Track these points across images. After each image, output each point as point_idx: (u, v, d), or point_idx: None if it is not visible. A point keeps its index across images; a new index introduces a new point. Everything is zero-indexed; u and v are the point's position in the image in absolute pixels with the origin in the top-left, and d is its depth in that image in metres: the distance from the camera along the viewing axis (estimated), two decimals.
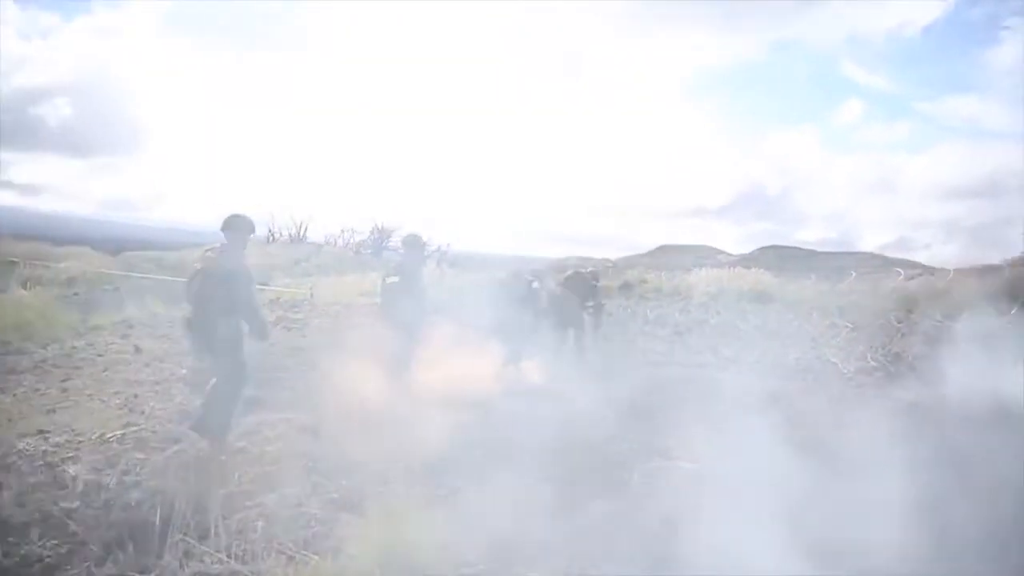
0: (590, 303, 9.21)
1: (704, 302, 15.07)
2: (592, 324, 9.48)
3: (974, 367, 8.26)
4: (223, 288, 5.04)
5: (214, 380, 5.35)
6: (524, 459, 4.98)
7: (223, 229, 5.33)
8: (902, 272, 22.36)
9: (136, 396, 7.05)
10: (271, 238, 33.33)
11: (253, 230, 5.59)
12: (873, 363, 8.62)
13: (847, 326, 11.16)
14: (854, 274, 16.04)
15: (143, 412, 6.47)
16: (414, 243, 7.81)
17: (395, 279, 7.22)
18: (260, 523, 4.15)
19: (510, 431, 5.80)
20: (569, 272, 9.35)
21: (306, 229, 33.41)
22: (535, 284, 8.39)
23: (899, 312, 13.51)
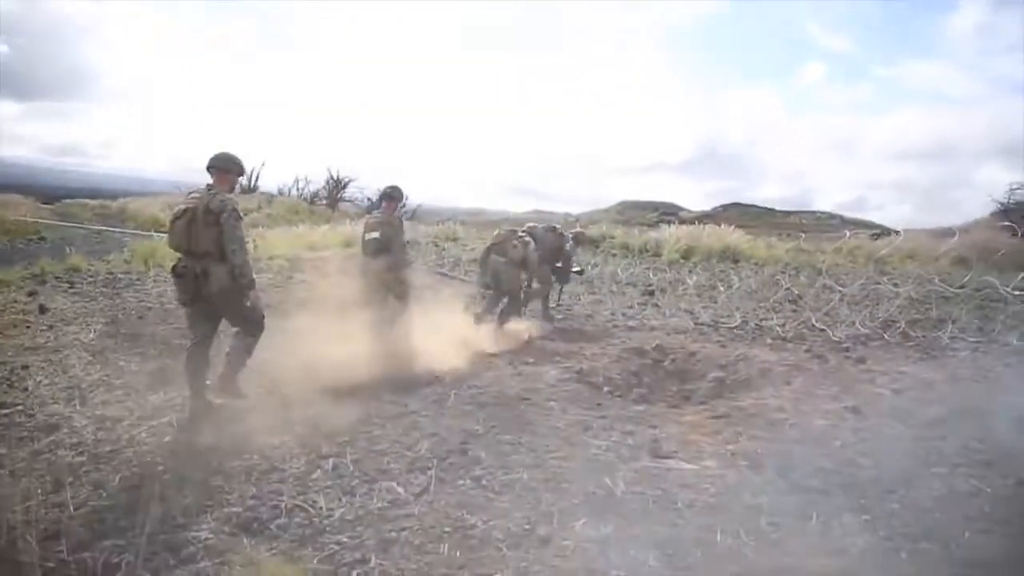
0: (558, 263, 8.28)
1: (675, 260, 14.22)
2: (557, 285, 8.66)
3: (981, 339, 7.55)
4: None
5: None
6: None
7: (209, 168, 4.86)
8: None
9: (25, 367, 5.87)
10: None
11: (242, 171, 5.12)
12: (864, 330, 7.85)
13: (830, 287, 10.37)
14: (848, 234, 15.25)
15: (26, 389, 5.33)
16: (395, 195, 6.93)
17: (375, 234, 6.54)
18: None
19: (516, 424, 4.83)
20: (540, 227, 8.30)
21: (258, 177, 31.55)
22: (530, 244, 7.64)
23: (874, 273, 12.88)
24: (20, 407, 4.90)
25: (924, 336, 7.57)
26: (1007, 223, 17.51)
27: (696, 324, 8.38)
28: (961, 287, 9.87)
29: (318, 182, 32.96)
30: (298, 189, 32.77)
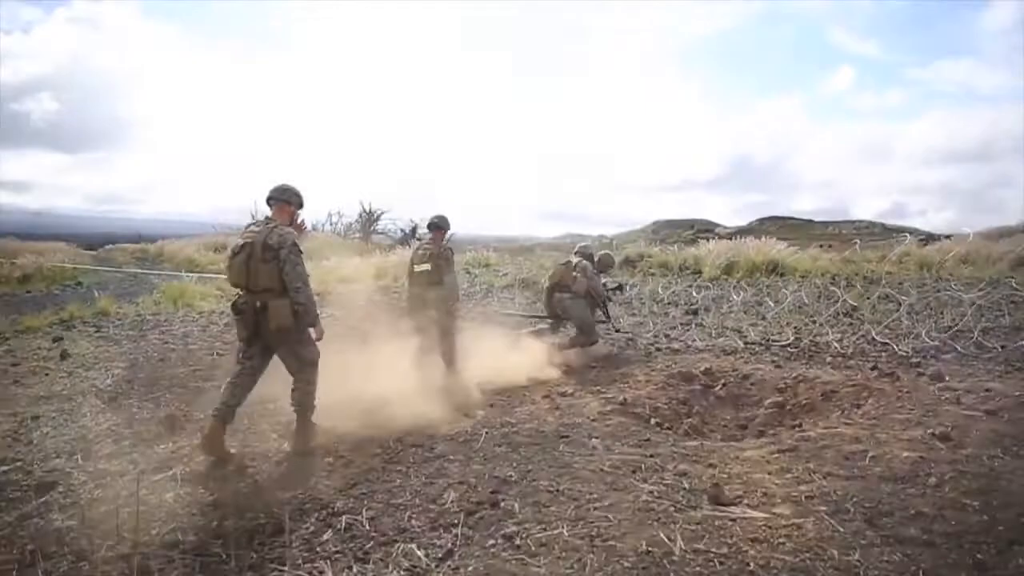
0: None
1: (716, 276, 13.54)
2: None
3: None
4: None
5: None
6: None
7: (268, 200, 4.73)
8: (908, 237, 21.13)
9: (36, 418, 5.55)
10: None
11: (302, 203, 4.84)
12: (932, 342, 7.13)
13: (888, 296, 9.63)
14: (910, 238, 14.45)
15: (31, 442, 4.98)
16: (442, 225, 6.79)
17: (426, 267, 6.47)
18: None
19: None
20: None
21: None
22: (589, 268, 7.44)
23: (931, 280, 12.04)
24: (20, 463, 4.54)
25: (1003, 347, 6.81)
26: None
27: (746, 344, 7.74)
28: None
29: (351, 215, 33.03)
30: (331, 223, 32.87)
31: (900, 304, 9.09)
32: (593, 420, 5.03)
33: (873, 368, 6.15)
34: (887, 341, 7.36)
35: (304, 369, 4.61)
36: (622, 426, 4.88)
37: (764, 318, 9.39)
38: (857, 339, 7.56)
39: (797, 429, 4.79)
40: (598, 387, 5.91)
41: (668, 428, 5.01)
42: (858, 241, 16.70)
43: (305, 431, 4.65)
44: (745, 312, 9.91)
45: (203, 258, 22.94)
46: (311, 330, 4.60)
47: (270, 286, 4.38)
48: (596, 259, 7.72)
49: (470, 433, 4.82)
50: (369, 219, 32.32)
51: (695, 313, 9.97)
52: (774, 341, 7.81)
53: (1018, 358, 6.36)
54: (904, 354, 6.73)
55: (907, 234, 23.51)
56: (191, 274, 16.52)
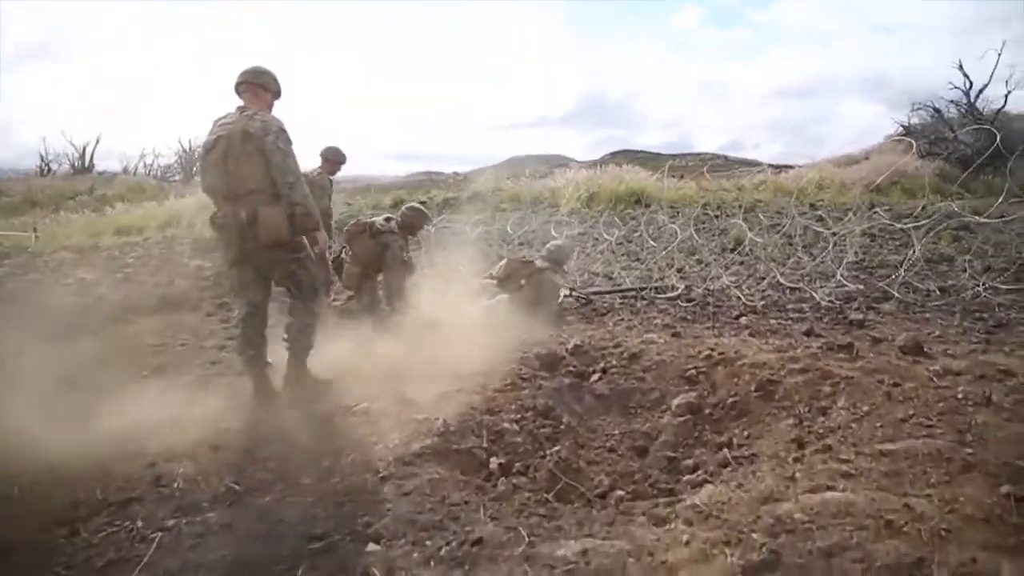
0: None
1: (577, 209, 11.49)
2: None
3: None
4: None
5: None
6: None
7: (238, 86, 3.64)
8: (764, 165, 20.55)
9: None
10: (44, 169, 26.16)
11: (280, 91, 3.73)
12: (855, 284, 5.41)
13: (774, 226, 7.92)
14: (766, 167, 13.16)
15: None
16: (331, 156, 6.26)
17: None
18: None
19: None
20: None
21: (92, 156, 26.37)
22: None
23: (797, 207, 10.68)
24: None
25: (942, 289, 5.17)
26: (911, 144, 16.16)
27: (624, 298, 5.65)
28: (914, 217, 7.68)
29: (168, 155, 28.17)
30: (145, 165, 27.79)
31: (791, 237, 7.41)
32: (384, 477, 2.64)
33: (808, 333, 4.19)
34: (798, 286, 5.53)
35: (304, 295, 3.64)
36: (434, 490, 2.53)
37: (640, 259, 7.40)
38: (762, 286, 5.68)
39: (730, 464, 2.71)
40: (412, 398, 3.48)
41: (520, 475, 2.75)
42: (705, 173, 15.51)
43: (298, 376, 3.65)
44: (614, 252, 7.88)
45: None
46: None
47: (256, 187, 3.40)
48: (399, 218, 5.40)
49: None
50: (191, 160, 27.57)
51: None
52: (658, 290, 5.78)
53: (981, 307, 4.69)
54: (830, 305, 4.89)
55: (744, 167, 23.05)
56: None
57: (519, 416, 3.22)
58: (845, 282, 5.41)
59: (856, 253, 6.43)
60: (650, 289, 5.80)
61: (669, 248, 6.73)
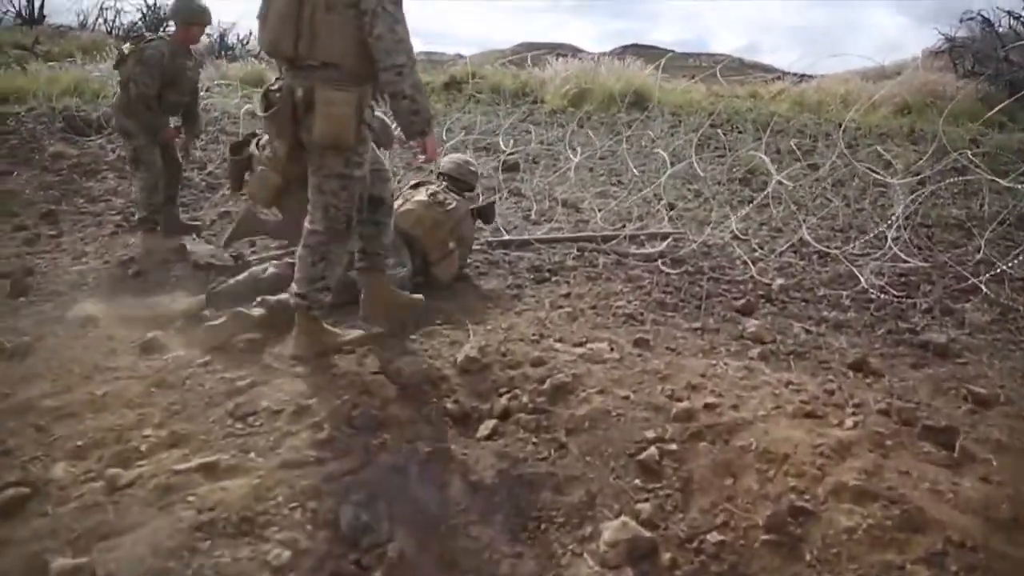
0: None
1: (563, 108, 9.40)
2: None
3: None
4: None
5: None
6: None
7: None
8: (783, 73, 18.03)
9: None
10: None
11: None
12: (913, 263, 3.65)
13: (795, 154, 5.98)
14: (785, 75, 10.98)
15: None
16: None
17: None
18: None
19: None
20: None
21: (42, 5, 23.20)
22: None
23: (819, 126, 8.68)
24: None
25: None
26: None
27: (580, 250, 3.86)
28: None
29: (133, 12, 24.95)
30: (105, 20, 24.60)
31: (816, 167, 5.50)
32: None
33: (859, 367, 2.43)
34: (831, 251, 3.74)
35: (331, 226, 2.37)
36: None
37: (621, 182, 5.54)
38: (780, 245, 3.88)
39: None
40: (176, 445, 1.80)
41: None
42: (718, 74, 13.22)
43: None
44: (592, 169, 5.99)
45: None
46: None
47: (334, 59, 2.22)
48: None
49: None
50: (156, 18, 24.36)
51: (513, 169, 5.87)
52: (635, 243, 4.00)
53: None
54: (884, 296, 3.13)
55: (759, 72, 20.38)
56: None
57: (291, 538, 1.55)
58: (902, 254, 3.60)
59: (910, 205, 4.55)
60: (624, 238, 4.00)
61: (659, 182, 4.76)
